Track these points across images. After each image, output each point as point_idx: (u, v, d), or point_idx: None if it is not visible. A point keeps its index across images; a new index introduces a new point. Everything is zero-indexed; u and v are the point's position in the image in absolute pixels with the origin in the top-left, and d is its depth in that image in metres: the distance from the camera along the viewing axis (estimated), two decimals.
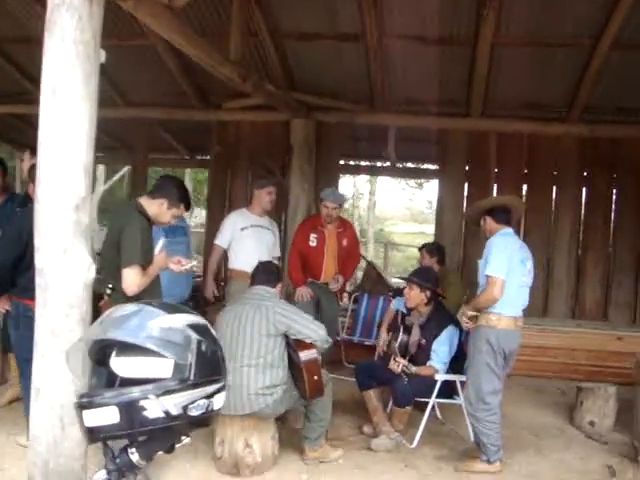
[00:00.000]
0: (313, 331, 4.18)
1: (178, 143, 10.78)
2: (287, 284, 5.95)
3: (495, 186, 8.08)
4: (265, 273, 4.55)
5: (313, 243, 6.05)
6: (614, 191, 8.05)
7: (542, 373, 7.09)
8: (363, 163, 10.63)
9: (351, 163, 10.42)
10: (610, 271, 8.04)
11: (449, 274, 6.07)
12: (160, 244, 3.92)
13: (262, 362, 4.16)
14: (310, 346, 4.17)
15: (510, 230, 4.56)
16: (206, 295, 5.88)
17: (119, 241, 3.69)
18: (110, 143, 10.76)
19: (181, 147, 10.92)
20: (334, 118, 7.84)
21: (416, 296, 5.03)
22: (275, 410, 4.25)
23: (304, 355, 4.14)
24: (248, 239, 5.78)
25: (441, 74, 7.30)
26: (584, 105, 7.41)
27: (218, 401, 1.68)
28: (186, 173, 18.01)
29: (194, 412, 1.61)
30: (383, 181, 24.20)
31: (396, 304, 5.50)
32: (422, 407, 5.00)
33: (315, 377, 4.11)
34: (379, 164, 10.65)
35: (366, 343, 6.72)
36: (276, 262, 6.09)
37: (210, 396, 1.66)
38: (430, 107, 7.72)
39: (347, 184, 24.37)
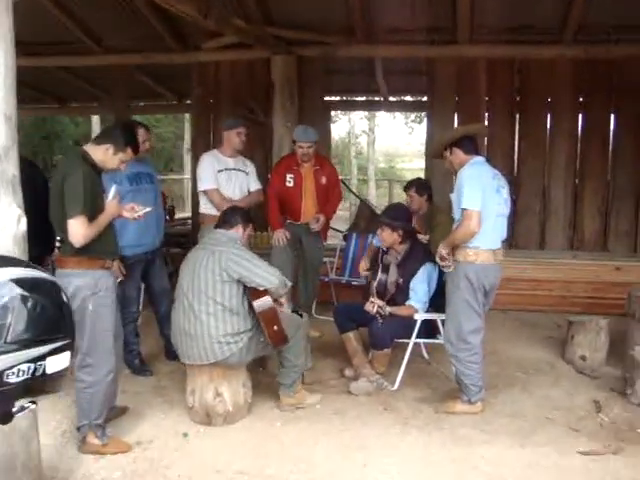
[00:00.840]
0: (264, 278, 3.98)
1: (164, 89, 10.52)
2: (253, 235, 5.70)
3: (487, 115, 7.73)
4: (226, 215, 4.39)
5: (290, 183, 5.83)
6: (612, 116, 7.68)
7: (538, 307, 6.92)
8: (354, 98, 10.25)
9: (343, 99, 10.09)
10: (609, 199, 7.74)
11: (437, 213, 5.79)
12: (112, 192, 3.72)
13: (221, 309, 4.01)
14: (263, 294, 3.99)
15: (481, 158, 4.29)
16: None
17: (62, 192, 3.49)
18: (96, 93, 10.52)
19: (168, 93, 10.65)
20: (315, 52, 7.53)
21: (388, 236, 4.81)
22: (242, 358, 4.11)
23: (257, 304, 3.97)
24: (220, 183, 5.56)
25: None
26: (578, 24, 6.99)
27: (55, 363, 1.48)
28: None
29: (13, 378, 1.41)
30: (383, 117, 23.75)
31: (376, 240, 5.28)
32: (407, 346, 4.85)
33: (275, 327, 3.95)
34: (371, 98, 10.26)
35: (354, 283, 6.54)
36: (257, 196, 5.88)
37: (38, 359, 1.45)
38: (414, 35, 7.36)
39: (342, 122, 24.06)
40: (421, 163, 26.62)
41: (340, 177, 7.27)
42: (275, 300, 4.12)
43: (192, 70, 8.46)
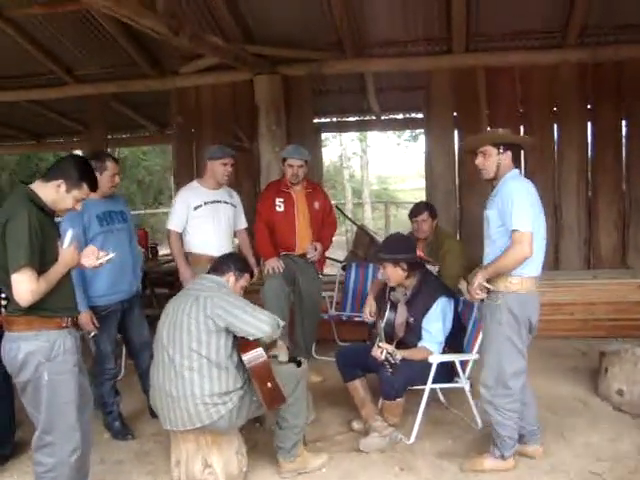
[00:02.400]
0: (255, 327, 3.42)
1: (145, 119, 10.03)
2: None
3: (488, 129, 7.17)
4: (216, 262, 3.86)
5: (280, 208, 5.27)
6: (623, 122, 7.16)
7: (558, 333, 6.32)
8: (345, 119, 9.74)
9: (333, 120, 9.60)
10: (625, 212, 7.19)
11: (445, 239, 5.22)
12: (68, 237, 3.13)
13: (207, 364, 3.42)
14: (254, 345, 3.43)
15: (518, 171, 3.73)
16: (185, 283, 5.11)
17: (4, 241, 2.91)
18: (74, 127, 10.01)
19: (149, 123, 10.14)
20: (300, 70, 7.10)
21: (393, 273, 4.23)
22: (232, 421, 3.51)
23: (247, 358, 3.40)
24: (203, 219, 5.00)
25: (414, 8, 6.45)
26: (581, 26, 6.54)
27: None
28: None
29: None
30: (375, 138, 23.21)
31: (381, 274, 4.69)
32: (422, 392, 4.24)
33: (269, 384, 3.36)
34: (363, 118, 9.75)
35: (356, 319, 5.93)
36: (243, 236, 5.42)
37: None
38: (407, 47, 6.95)
39: (334, 145, 23.56)
40: (415, 183, 26.37)
41: (334, 202, 6.74)
42: (270, 345, 3.56)
43: (171, 97, 7.95)
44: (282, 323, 3.61)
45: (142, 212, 18.08)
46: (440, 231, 5.37)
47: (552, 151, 7.17)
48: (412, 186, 26.51)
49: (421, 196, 8.33)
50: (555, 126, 7.16)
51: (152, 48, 7.38)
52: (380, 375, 4.03)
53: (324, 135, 20.10)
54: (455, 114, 7.44)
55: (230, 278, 3.74)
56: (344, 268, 6.78)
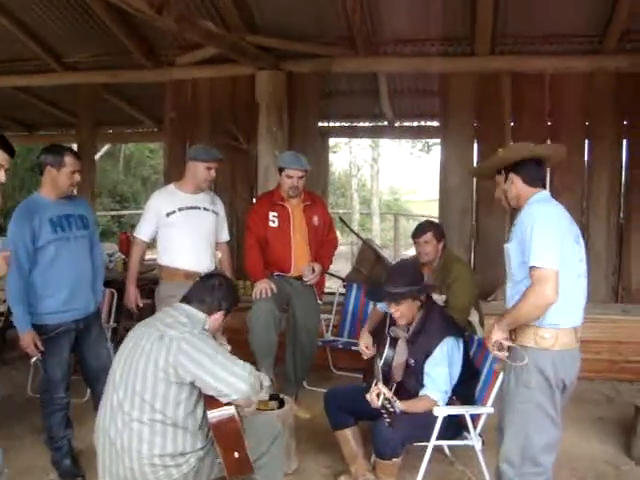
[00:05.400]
0: (230, 386, 2.70)
1: (143, 115, 9.40)
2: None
3: (511, 143, 6.49)
4: (198, 289, 3.03)
5: (274, 223, 4.60)
6: None
7: (581, 374, 5.51)
8: (355, 124, 9.08)
9: (342, 125, 8.95)
10: None
11: (454, 264, 4.51)
12: None
13: (161, 420, 2.71)
14: (224, 405, 2.73)
15: (547, 194, 2.98)
16: (127, 304, 4.47)
17: None
18: (67, 118, 9.38)
19: (146, 119, 9.51)
20: (307, 67, 6.48)
21: (409, 308, 3.52)
22: None
23: (213, 416, 2.70)
24: (178, 227, 4.34)
25: (435, 3, 5.78)
26: (621, 30, 5.82)
27: None
28: None
29: None
30: (387, 146, 22.45)
31: (381, 304, 4.01)
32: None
33: (235, 454, 2.66)
34: (374, 124, 9.08)
35: (354, 348, 5.23)
36: (224, 250, 4.78)
37: None
38: (425, 47, 6.30)
39: (344, 152, 22.84)
40: (429, 195, 25.67)
41: (341, 211, 6.04)
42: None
43: (166, 90, 7.30)
44: (267, 383, 2.90)
45: None
46: (448, 255, 4.65)
47: (582, 169, 6.43)
48: (425, 197, 25.84)
49: (434, 209, 7.63)
50: (586, 141, 6.44)
51: (147, 36, 6.79)
52: (374, 429, 3.34)
53: (334, 140, 19.60)
54: (475, 124, 6.76)
55: (214, 316, 2.99)
56: (345, 285, 6.11)
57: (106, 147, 15.48)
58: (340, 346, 5.50)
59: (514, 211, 3.03)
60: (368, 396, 3.30)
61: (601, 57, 6.09)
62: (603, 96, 6.36)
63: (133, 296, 4.40)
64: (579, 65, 6.20)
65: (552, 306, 2.70)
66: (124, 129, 10.54)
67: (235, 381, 2.69)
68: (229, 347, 3.18)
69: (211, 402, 2.71)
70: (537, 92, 6.49)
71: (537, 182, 2.94)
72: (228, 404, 2.72)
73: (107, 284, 5.85)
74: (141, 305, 4.48)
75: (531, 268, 2.70)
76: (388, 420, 3.16)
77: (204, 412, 2.76)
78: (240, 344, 4.31)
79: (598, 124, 6.41)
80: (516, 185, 2.93)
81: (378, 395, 3.18)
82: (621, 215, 6.52)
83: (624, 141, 6.46)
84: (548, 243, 2.70)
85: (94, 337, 3.97)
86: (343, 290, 6.08)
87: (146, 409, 2.71)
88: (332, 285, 7.34)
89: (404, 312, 3.50)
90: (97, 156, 15.98)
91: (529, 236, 2.73)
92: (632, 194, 6.46)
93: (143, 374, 2.73)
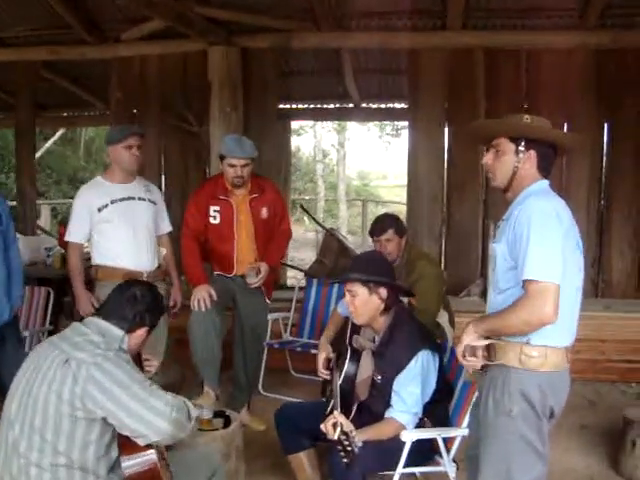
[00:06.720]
0: (148, 425, 2.18)
1: (93, 97, 8.75)
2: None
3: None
4: (116, 301, 2.47)
5: (215, 220, 4.08)
6: None
7: None
8: (318, 105, 8.57)
9: (304, 106, 8.43)
10: None
11: (417, 261, 4.00)
12: None
13: (64, 465, 2.18)
14: (142, 448, 2.22)
15: (547, 184, 2.43)
16: (82, 312, 3.92)
17: None
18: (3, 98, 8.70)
19: (97, 101, 8.86)
20: (264, 42, 6.01)
21: (364, 304, 3.02)
22: None
23: (129, 464, 2.20)
24: (112, 222, 3.83)
25: None
26: (603, 4, 5.41)
27: None
28: None
29: None
30: (355, 130, 21.94)
31: (342, 307, 3.52)
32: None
33: None
34: (339, 106, 8.59)
35: (313, 351, 4.74)
36: (166, 243, 4.25)
37: None
38: (391, 20, 5.84)
39: (309, 136, 22.25)
40: (399, 180, 25.32)
41: (307, 198, 5.53)
42: None
43: (111, 69, 6.72)
44: (195, 413, 2.38)
45: None
46: (411, 251, 4.15)
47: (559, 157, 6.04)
48: (394, 183, 25.47)
49: (404, 194, 7.17)
50: (565, 124, 6.05)
51: (89, 9, 6.22)
52: (331, 461, 2.84)
53: (297, 124, 19.00)
54: (446, 105, 6.32)
55: (135, 334, 2.44)
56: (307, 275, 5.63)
57: (60, 132, 14.77)
58: (299, 349, 5.00)
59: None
60: (322, 426, 2.78)
61: (581, 33, 5.69)
62: (583, 75, 5.99)
63: (86, 302, 3.85)
64: (558, 41, 5.80)
65: (548, 324, 2.21)
66: (74, 112, 9.86)
67: (153, 419, 2.17)
68: (155, 364, 2.69)
69: (126, 445, 2.20)
70: (513, 70, 6.11)
71: (546, 171, 2.43)
72: (148, 446, 2.21)
73: (43, 282, 5.40)
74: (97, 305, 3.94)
75: (525, 282, 2.21)
76: (345, 461, 2.63)
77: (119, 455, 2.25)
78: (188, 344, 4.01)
79: (577, 105, 6.05)
80: (532, 165, 2.41)
81: (335, 425, 2.67)
82: (602, 203, 6.17)
83: (605, 124, 6.08)
84: (548, 251, 2.19)
85: (10, 351, 3.42)
86: (304, 284, 5.60)
87: (47, 451, 2.18)
88: (298, 275, 6.87)
89: (359, 306, 3.02)
90: (51, 141, 15.35)
91: (524, 240, 2.22)
92: (613, 181, 6.11)
93: (43, 408, 2.19)
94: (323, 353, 3.36)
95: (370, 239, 4.25)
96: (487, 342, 2.33)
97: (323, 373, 3.31)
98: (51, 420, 2.18)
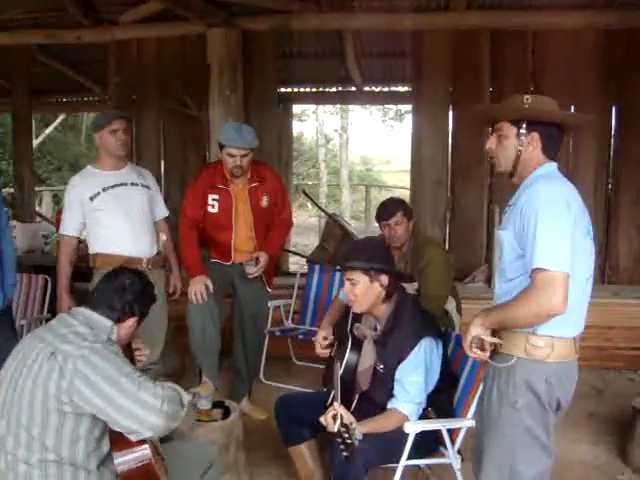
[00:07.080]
0: (138, 420, 2.10)
1: (91, 82, 8.63)
2: None
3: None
4: (104, 290, 2.37)
5: (213, 209, 3.97)
6: None
7: None
8: (320, 89, 8.44)
9: (306, 90, 8.31)
10: None
11: (425, 247, 3.91)
12: None
13: (54, 461, 2.11)
14: (136, 444, 2.14)
15: (555, 167, 2.33)
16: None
17: None
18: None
19: (96, 87, 8.75)
20: (264, 24, 5.78)
21: (365, 292, 2.94)
22: None
23: (122, 460, 2.12)
24: (105, 210, 3.75)
25: None
26: None
27: None
28: None
29: None
30: (358, 114, 21.74)
31: (344, 294, 3.42)
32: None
33: None
34: (341, 89, 8.47)
35: (315, 339, 4.67)
36: (164, 229, 4.17)
37: None
38: (394, 1, 5.62)
39: (311, 121, 22.09)
40: (402, 165, 25.14)
41: (310, 183, 5.44)
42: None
43: (109, 53, 6.60)
44: (187, 398, 2.30)
45: None
46: (419, 236, 4.05)
47: (567, 137, 5.91)
48: (398, 168, 25.29)
49: (408, 179, 7.06)
50: (572, 107, 5.87)
51: None
52: (332, 452, 2.77)
53: (299, 107, 18.80)
54: (450, 88, 6.20)
55: (124, 324, 2.37)
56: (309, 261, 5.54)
57: (61, 118, 14.66)
58: (301, 336, 4.92)
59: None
60: (322, 419, 2.70)
61: (589, 13, 5.47)
62: (591, 57, 5.86)
63: (66, 306, 3.74)
64: (565, 21, 5.57)
65: (557, 315, 2.12)
66: (72, 98, 9.74)
67: (144, 414, 2.09)
68: (146, 353, 2.61)
69: (119, 441, 2.12)
70: (519, 52, 5.98)
71: (552, 152, 2.33)
72: (141, 441, 2.13)
73: (40, 270, 5.32)
74: None
75: (534, 270, 2.11)
76: (345, 454, 2.54)
77: (110, 451, 2.17)
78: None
79: (585, 87, 5.92)
80: (535, 147, 2.31)
81: (335, 417, 2.59)
82: (609, 188, 6.05)
83: (613, 106, 5.94)
84: (557, 239, 2.10)
85: (3, 339, 3.34)
86: (306, 270, 5.52)
87: (34, 448, 2.11)
88: (300, 261, 6.79)
89: (359, 296, 2.93)
90: (51, 127, 15.24)
91: (532, 227, 2.13)
92: (621, 165, 5.98)
93: (30, 403, 2.11)
94: (323, 332, 3.28)
95: (375, 224, 4.15)
96: (495, 340, 2.25)
97: (321, 353, 3.22)
98: (38, 416, 2.11)
